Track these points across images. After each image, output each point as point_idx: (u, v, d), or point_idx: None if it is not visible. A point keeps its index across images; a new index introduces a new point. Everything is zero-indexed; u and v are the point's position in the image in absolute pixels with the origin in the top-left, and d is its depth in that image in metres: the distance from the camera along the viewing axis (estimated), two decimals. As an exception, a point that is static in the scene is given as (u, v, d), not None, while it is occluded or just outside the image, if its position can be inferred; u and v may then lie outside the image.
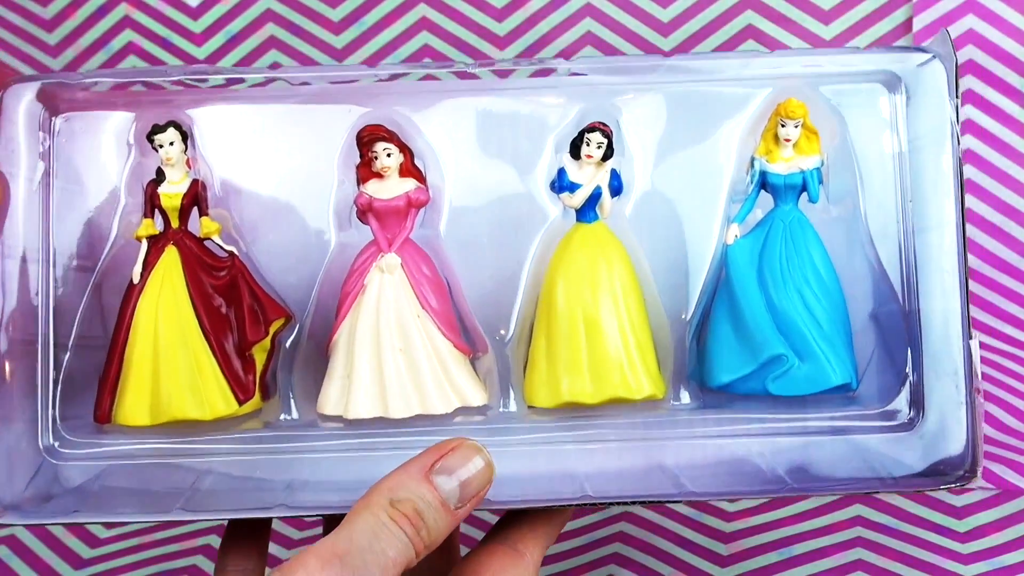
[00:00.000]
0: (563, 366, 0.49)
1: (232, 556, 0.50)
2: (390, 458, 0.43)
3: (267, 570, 0.51)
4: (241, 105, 0.52)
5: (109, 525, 0.68)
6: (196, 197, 0.51)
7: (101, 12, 0.77)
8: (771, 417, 0.50)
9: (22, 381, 0.49)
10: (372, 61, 0.75)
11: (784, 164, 0.50)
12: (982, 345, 0.68)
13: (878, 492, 0.60)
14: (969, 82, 0.70)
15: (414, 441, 0.48)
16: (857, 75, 0.51)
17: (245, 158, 0.52)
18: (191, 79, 0.51)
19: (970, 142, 0.70)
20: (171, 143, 0.50)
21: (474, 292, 0.51)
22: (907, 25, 0.71)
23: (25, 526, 0.63)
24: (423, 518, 0.40)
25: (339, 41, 0.76)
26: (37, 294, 0.50)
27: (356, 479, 0.46)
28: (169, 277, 0.50)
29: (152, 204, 0.51)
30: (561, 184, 0.51)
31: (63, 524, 0.66)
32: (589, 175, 0.50)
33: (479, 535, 0.65)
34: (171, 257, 0.50)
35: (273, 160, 0.52)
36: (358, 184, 0.51)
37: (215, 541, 0.67)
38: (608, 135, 0.50)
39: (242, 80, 0.51)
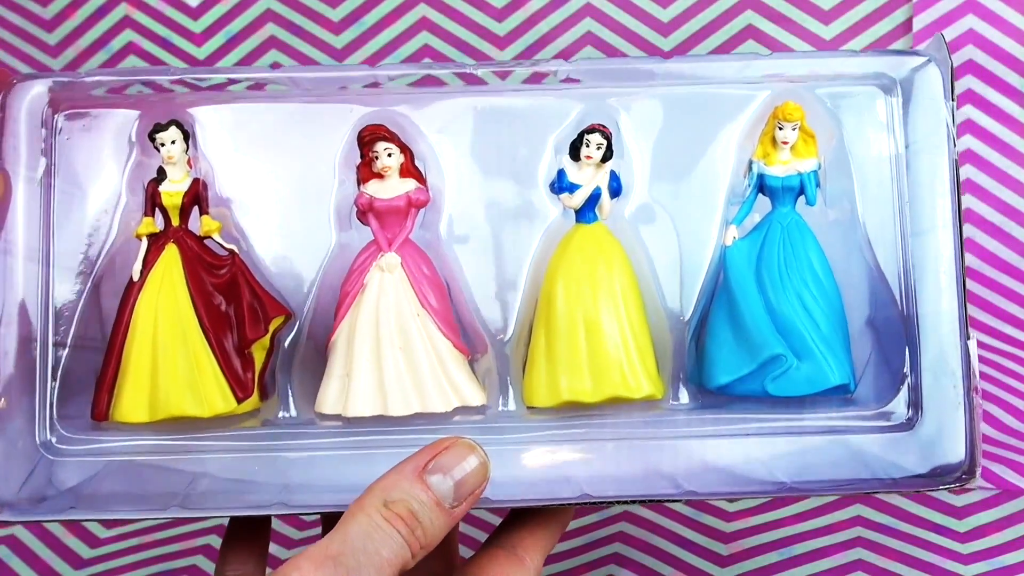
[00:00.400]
0: (562, 365, 0.49)
1: (232, 557, 0.50)
2: (389, 457, 0.43)
3: (268, 571, 0.51)
4: (242, 104, 0.52)
5: (108, 524, 0.68)
6: (197, 196, 0.51)
7: (101, 12, 0.77)
8: (769, 418, 0.50)
9: (20, 378, 0.49)
10: (372, 61, 0.75)
11: (781, 167, 0.50)
12: (982, 345, 0.68)
13: (876, 493, 0.60)
14: (969, 82, 0.70)
15: (413, 440, 0.48)
16: (853, 78, 0.51)
17: (246, 157, 0.52)
18: (193, 79, 0.51)
19: (970, 142, 0.70)
20: (172, 142, 0.50)
21: (474, 292, 0.51)
22: (907, 25, 0.71)
23: (22, 524, 0.63)
24: (418, 518, 0.40)
25: (339, 41, 0.76)
26: (36, 291, 0.50)
27: (354, 478, 0.46)
28: (169, 275, 0.50)
29: (153, 202, 0.51)
30: (560, 185, 0.51)
31: (60, 522, 0.66)
32: (588, 176, 0.51)
33: (479, 535, 0.65)
34: (171, 255, 0.50)
35: (274, 160, 0.52)
36: (359, 184, 0.51)
37: (215, 541, 0.67)
38: (607, 136, 0.50)
39: (243, 80, 0.51)
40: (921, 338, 0.49)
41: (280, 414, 0.51)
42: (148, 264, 0.50)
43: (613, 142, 0.50)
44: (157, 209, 0.51)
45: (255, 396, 0.50)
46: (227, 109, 0.52)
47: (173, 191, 0.50)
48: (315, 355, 0.51)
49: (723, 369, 0.50)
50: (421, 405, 0.49)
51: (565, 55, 0.73)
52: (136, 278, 0.50)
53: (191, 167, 0.51)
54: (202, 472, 0.49)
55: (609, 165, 0.51)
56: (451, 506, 0.41)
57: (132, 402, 0.49)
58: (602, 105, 0.52)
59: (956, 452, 0.48)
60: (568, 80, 0.51)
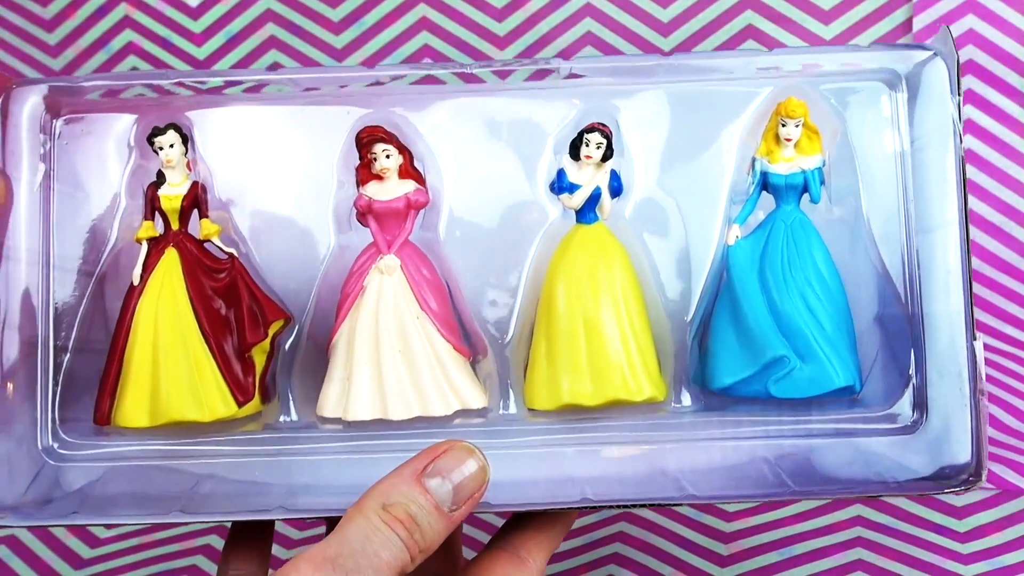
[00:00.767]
0: (563, 368, 0.49)
1: (235, 558, 0.50)
2: (389, 460, 0.43)
3: (269, 571, 0.51)
4: (241, 107, 0.52)
5: (109, 526, 0.68)
6: (196, 199, 0.51)
7: (101, 12, 0.77)
8: (773, 420, 0.50)
9: (22, 383, 0.49)
10: (372, 61, 0.75)
11: (785, 164, 0.50)
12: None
13: (881, 495, 0.60)
14: (969, 82, 0.70)
15: (414, 444, 0.48)
16: (858, 73, 0.51)
17: (245, 160, 0.52)
18: (192, 82, 0.51)
19: (970, 142, 0.70)
20: (171, 145, 0.50)
21: (474, 294, 0.51)
22: (907, 25, 0.71)
23: (25, 528, 0.63)
24: (416, 521, 0.40)
25: (339, 41, 0.75)
26: (38, 296, 0.50)
27: (355, 481, 0.46)
28: (169, 279, 0.50)
29: (152, 206, 0.51)
30: (560, 185, 0.50)
31: (63, 526, 0.66)
32: (588, 176, 0.50)
33: (482, 536, 0.65)
34: (171, 259, 0.50)
35: (273, 162, 0.52)
36: (357, 186, 0.51)
37: (216, 541, 0.67)
38: (607, 136, 0.50)
39: (241, 82, 0.51)
40: (927, 338, 0.49)
41: (281, 418, 0.51)
42: (148, 268, 0.50)
43: (613, 141, 0.50)
44: (157, 213, 0.51)
45: (256, 400, 0.50)
46: (227, 112, 0.52)
47: (172, 195, 0.50)
48: (316, 357, 0.51)
49: (726, 370, 0.49)
50: (421, 408, 0.49)
51: (565, 55, 0.73)
52: (136, 282, 0.50)
53: (190, 170, 0.51)
54: (204, 476, 0.49)
55: (609, 164, 0.50)
56: (450, 510, 0.41)
57: (133, 407, 0.49)
58: (602, 104, 0.51)
59: (963, 454, 0.47)
60: (571, 76, 0.51)
